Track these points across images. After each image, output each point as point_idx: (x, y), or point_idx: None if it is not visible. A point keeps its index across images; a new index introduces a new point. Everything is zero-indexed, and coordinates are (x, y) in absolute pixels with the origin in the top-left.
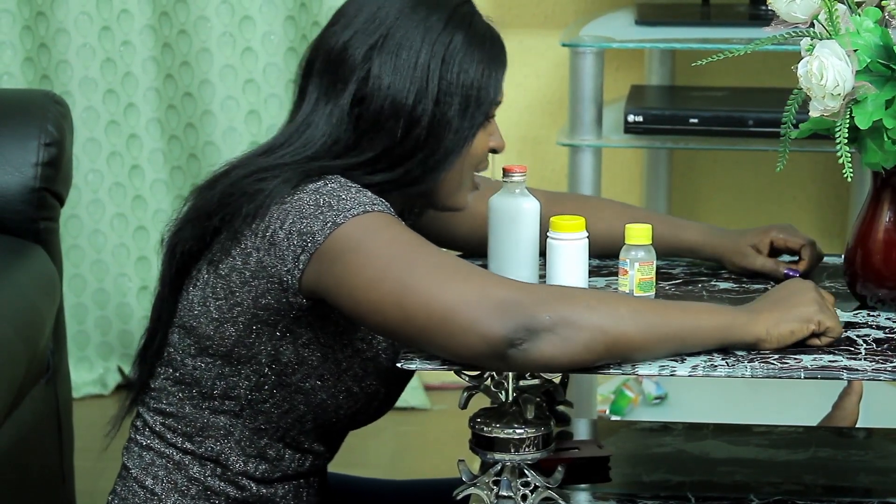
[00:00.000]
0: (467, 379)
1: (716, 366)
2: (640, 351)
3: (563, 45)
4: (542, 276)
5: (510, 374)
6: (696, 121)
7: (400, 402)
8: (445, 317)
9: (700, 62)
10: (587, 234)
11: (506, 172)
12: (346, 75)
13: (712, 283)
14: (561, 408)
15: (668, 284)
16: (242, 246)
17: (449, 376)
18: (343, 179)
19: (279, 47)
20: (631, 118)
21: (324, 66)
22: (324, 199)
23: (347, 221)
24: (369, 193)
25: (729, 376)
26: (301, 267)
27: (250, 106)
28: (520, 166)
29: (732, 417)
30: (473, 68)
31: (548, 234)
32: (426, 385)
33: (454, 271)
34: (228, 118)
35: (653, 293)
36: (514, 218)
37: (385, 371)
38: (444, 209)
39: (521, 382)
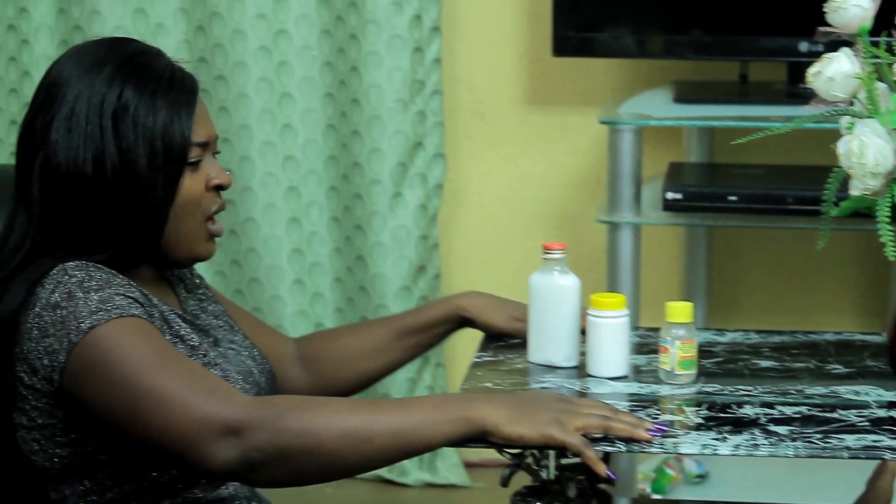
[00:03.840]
0: (508, 457)
1: (758, 445)
2: (358, 468)
3: (602, 123)
4: (583, 354)
5: (551, 451)
6: (735, 198)
7: (439, 479)
8: (178, 451)
9: (741, 140)
10: (628, 313)
11: (545, 250)
12: (32, 154)
13: (753, 361)
14: (602, 486)
15: (709, 362)
16: (17, 373)
17: (490, 453)
18: (69, 275)
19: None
20: (670, 195)
21: (18, 150)
22: (58, 314)
23: (80, 340)
24: (96, 283)
25: (772, 455)
26: (57, 384)
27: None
28: (559, 244)
29: (774, 497)
30: (153, 117)
31: (588, 311)
32: (466, 462)
33: (174, 397)
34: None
35: (695, 371)
36: (555, 295)
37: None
38: (190, 262)
39: (563, 461)
